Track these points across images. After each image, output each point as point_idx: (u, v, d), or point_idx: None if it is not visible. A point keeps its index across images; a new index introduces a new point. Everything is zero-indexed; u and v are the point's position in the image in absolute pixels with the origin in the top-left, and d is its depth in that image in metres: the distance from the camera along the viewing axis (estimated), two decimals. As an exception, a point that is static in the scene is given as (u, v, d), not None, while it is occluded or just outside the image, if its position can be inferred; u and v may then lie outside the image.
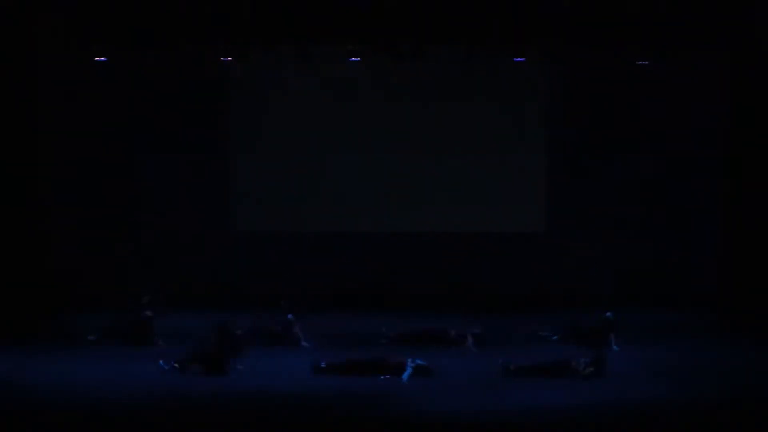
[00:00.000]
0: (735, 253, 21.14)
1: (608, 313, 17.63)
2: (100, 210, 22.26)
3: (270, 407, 14.12)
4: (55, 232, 22.04)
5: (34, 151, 21.64)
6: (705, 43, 20.12)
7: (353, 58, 20.44)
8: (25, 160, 21.35)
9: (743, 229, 20.93)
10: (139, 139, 22.29)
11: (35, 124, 21.67)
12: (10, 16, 19.33)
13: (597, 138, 22.26)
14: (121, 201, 22.34)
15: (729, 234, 21.40)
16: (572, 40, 19.89)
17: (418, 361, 15.69)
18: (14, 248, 20.84)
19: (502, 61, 21.01)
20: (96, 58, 20.25)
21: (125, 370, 15.92)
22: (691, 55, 20.87)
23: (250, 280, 22.12)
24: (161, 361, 15.98)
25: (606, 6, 19.28)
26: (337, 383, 15.20)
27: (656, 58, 20.56)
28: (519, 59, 20.66)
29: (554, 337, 17.99)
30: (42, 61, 21.38)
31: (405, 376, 15.44)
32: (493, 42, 20.04)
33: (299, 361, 16.21)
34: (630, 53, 20.38)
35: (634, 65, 20.83)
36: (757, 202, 20.54)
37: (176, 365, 15.85)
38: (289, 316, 17.90)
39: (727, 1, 19.37)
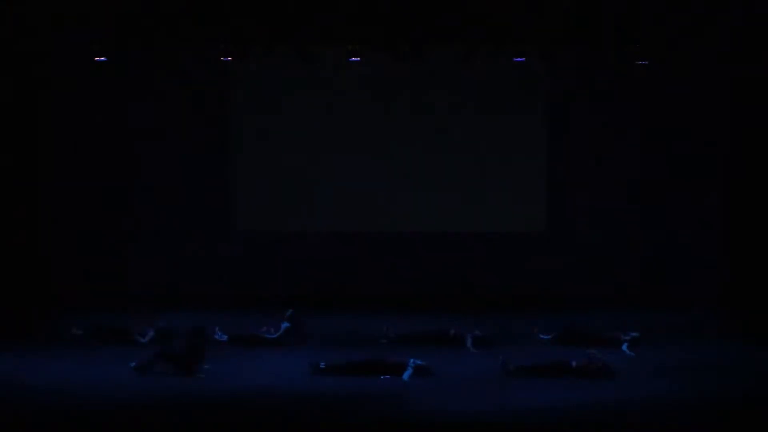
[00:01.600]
0: (735, 253, 21.14)
1: (634, 333, 17.64)
2: (100, 210, 22.26)
3: (270, 407, 14.12)
4: (54, 232, 22.04)
5: (34, 151, 21.66)
6: (705, 43, 20.10)
7: (353, 58, 20.44)
8: (25, 160, 21.37)
9: (744, 229, 20.92)
10: (139, 139, 22.30)
11: (35, 124, 21.68)
12: (10, 16, 19.32)
13: (597, 138, 22.27)
14: (120, 201, 22.34)
15: (729, 234, 21.39)
16: (572, 40, 19.88)
17: (418, 362, 15.70)
18: (12, 248, 20.85)
19: (502, 61, 21.01)
20: (96, 58, 20.25)
21: (124, 371, 15.91)
22: (691, 55, 20.86)
23: (250, 280, 22.14)
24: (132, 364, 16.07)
25: (606, 6, 19.26)
26: (337, 383, 15.20)
27: (656, 58, 20.56)
28: (519, 59, 20.66)
29: (542, 337, 17.92)
30: (42, 61, 21.39)
31: (405, 376, 15.44)
32: (493, 42, 20.04)
33: (299, 361, 16.21)
34: (630, 53, 20.37)
35: (634, 65, 20.83)
36: (757, 202, 20.54)
37: (135, 367, 15.88)
38: (286, 324, 17.89)
39: (726, 1, 19.35)
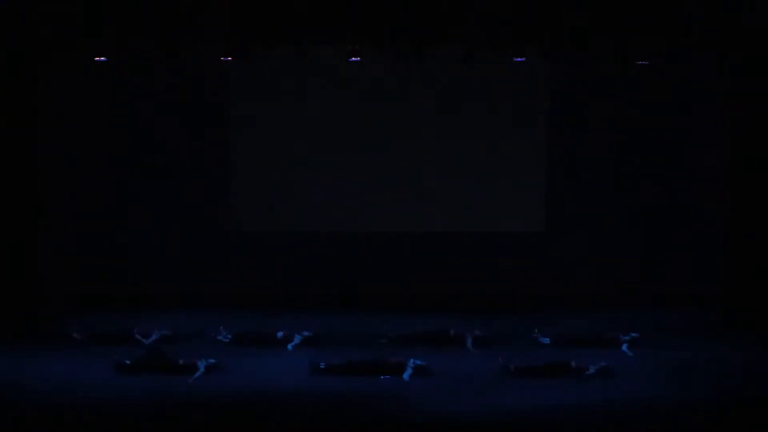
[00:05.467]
0: (736, 253, 21.12)
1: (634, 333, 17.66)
2: (98, 210, 22.24)
3: (270, 407, 14.12)
4: (53, 231, 22.02)
5: (33, 151, 21.61)
6: (705, 43, 20.09)
7: (353, 58, 20.45)
8: (24, 160, 21.33)
9: (744, 229, 20.90)
10: (138, 138, 22.28)
11: (34, 124, 21.65)
12: (10, 16, 19.30)
13: (597, 138, 22.26)
14: (119, 201, 22.33)
15: (730, 234, 21.37)
16: (572, 40, 19.87)
17: (418, 362, 15.71)
18: (12, 248, 20.82)
19: (502, 61, 21.01)
20: (96, 58, 20.24)
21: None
22: (691, 55, 20.86)
23: (250, 280, 22.13)
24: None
25: (606, 5, 19.25)
26: (337, 383, 15.21)
27: (656, 58, 20.56)
28: (519, 59, 20.66)
29: (542, 340, 17.91)
30: (42, 61, 21.37)
31: (405, 376, 15.45)
32: (493, 42, 20.03)
33: (299, 361, 16.22)
34: (630, 53, 20.36)
35: (634, 65, 20.83)
36: (757, 202, 20.52)
37: (121, 363, 15.91)
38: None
39: (727, 1, 19.34)
